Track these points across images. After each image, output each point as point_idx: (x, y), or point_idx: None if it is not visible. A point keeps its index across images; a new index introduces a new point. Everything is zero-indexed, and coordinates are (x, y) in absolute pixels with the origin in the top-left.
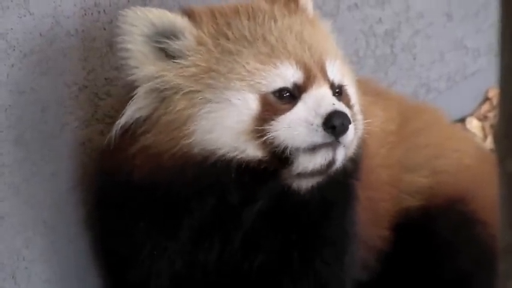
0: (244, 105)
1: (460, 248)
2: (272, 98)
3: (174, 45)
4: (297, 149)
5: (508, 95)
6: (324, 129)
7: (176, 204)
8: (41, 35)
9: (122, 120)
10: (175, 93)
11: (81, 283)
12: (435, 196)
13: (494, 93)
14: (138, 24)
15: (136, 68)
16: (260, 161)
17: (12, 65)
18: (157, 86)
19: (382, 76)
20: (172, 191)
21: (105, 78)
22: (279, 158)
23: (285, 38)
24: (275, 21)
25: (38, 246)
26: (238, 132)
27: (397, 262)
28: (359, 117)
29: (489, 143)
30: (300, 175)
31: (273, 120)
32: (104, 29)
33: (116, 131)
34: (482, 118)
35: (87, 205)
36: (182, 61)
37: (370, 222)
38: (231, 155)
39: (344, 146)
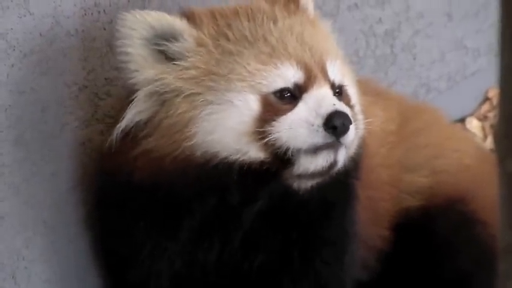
0: (245, 106)
1: (460, 248)
2: (273, 98)
3: (173, 47)
4: (299, 150)
5: (508, 95)
6: (325, 130)
7: (177, 205)
8: (41, 35)
9: (122, 124)
10: (176, 96)
11: (81, 283)
12: (435, 196)
13: (494, 93)
14: (137, 28)
15: (136, 71)
16: (262, 162)
17: (12, 65)
18: (157, 89)
19: (382, 76)
20: (174, 192)
21: (105, 78)
22: (281, 159)
23: (286, 38)
24: (275, 21)
25: (38, 246)
26: (240, 134)
27: (397, 262)
28: (360, 117)
29: (489, 143)
30: (301, 176)
31: (274, 121)
32: (104, 29)
33: (117, 134)
34: (482, 118)
35: (87, 205)
36: (182, 63)
37: (370, 221)
38: (233, 156)
39: (345, 147)
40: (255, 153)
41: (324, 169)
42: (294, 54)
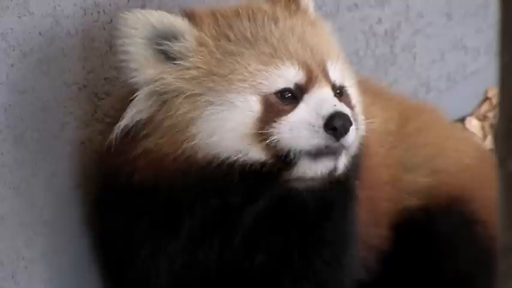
0: (246, 107)
1: (459, 247)
2: (274, 99)
3: (174, 47)
4: (300, 152)
5: (508, 95)
6: (325, 131)
7: (177, 205)
8: (40, 34)
9: (122, 123)
10: (177, 96)
11: (81, 283)
12: (435, 196)
13: (494, 93)
14: (138, 27)
15: (137, 70)
16: (263, 164)
17: (12, 65)
18: (158, 89)
19: (382, 76)
20: (174, 193)
21: (105, 78)
22: (282, 161)
23: (287, 39)
24: (276, 22)
25: (38, 246)
26: (241, 135)
27: (397, 262)
28: (360, 117)
29: (489, 143)
30: (300, 178)
31: (275, 121)
32: (104, 28)
33: (117, 133)
34: (482, 118)
35: (87, 205)
36: (183, 63)
37: (370, 221)
38: (234, 158)
39: (346, 152)
40: (256, 154)
41: (322, 175)
42: (295, 54)
